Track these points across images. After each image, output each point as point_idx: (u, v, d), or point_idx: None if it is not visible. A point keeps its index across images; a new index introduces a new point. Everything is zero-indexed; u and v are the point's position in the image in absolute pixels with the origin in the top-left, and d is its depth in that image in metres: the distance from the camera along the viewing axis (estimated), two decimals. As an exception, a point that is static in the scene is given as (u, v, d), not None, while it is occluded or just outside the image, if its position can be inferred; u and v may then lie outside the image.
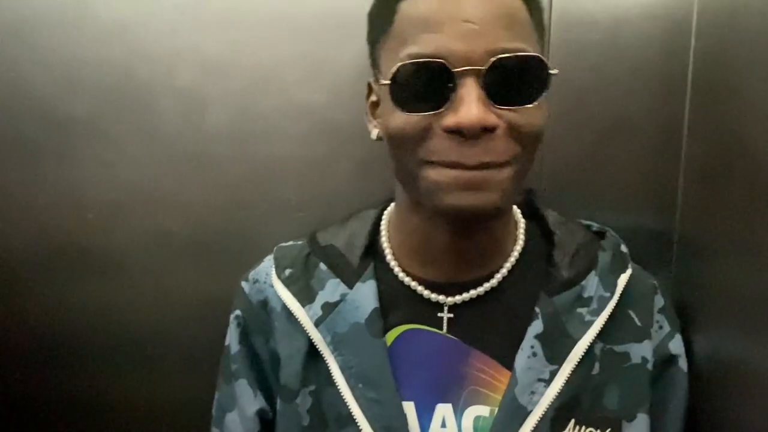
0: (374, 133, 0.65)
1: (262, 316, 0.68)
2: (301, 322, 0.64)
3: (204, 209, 0.86)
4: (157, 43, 0.84)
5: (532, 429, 0.59)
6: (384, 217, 0.71)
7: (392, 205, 0.70)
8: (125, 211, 0.87)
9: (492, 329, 0.63)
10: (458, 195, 0.55)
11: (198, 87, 0.84)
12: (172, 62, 0.84)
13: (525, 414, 0.59)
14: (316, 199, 0.84)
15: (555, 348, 0.61)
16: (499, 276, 0.64)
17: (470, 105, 0.53)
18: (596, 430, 0.60)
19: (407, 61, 0.55)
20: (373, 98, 0.66)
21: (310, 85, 0.83)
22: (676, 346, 0.66)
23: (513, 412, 0.59)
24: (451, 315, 0.64)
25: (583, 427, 0.60)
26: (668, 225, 0.75)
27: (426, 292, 0.64)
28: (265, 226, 0.85)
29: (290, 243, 0.72)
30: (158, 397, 0.89)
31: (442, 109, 0.54)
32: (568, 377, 0.60)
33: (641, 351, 0.63)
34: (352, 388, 0.61)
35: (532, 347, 0.61)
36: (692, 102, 0.73)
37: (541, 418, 0.59)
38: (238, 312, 0.70)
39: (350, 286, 0.65)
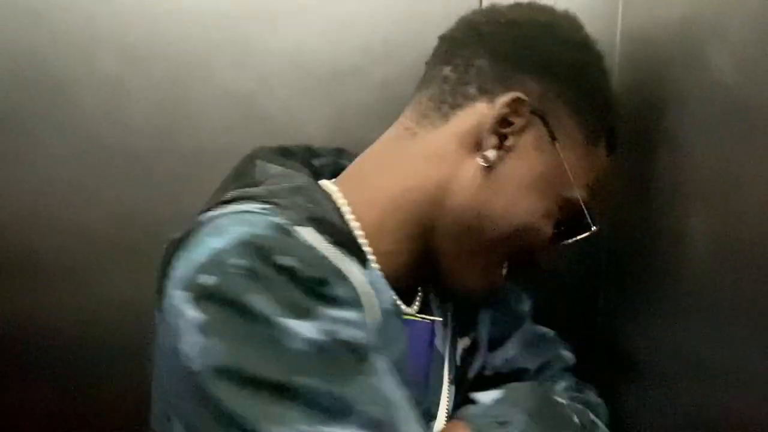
0: (492, 155, 0.56)
1: None
2: None
3: (129, 205, 0.81)
4: (75, 30, 0.79)
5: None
6: (341, 203, 0.58)
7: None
8: (44, 209, 0.81)
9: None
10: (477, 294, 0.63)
11: (119, 76, 0.79)
12: (91, 50, 0.79)
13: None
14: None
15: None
16: None
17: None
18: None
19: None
20: (517, 125, 0.56)
21: (237, 72, 0.80)
22: None
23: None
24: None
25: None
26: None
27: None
28: (195, 222, 0.81)
29: None
30: (81, 402, 0.84)
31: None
32: None
33: None
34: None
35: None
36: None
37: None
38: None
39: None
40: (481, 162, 0.56)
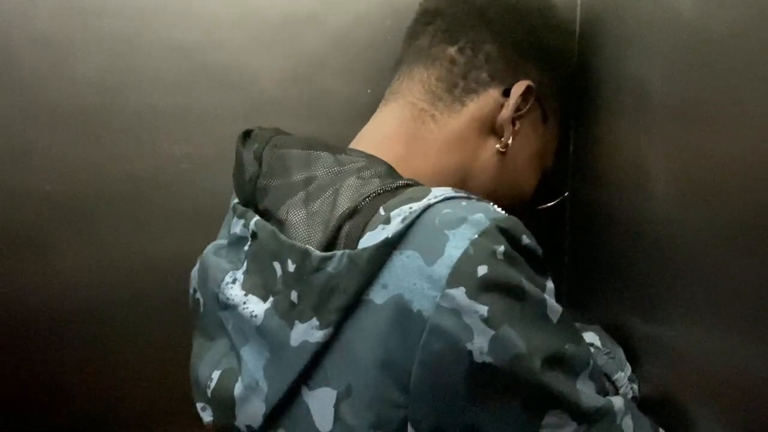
0: (510, 140, 0.62)
1: None
2: None
3: (81, 166, 0.78)
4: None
5: None
6: None
7: None
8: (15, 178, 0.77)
9: None
10: None
11: (62, 32, 0.75)
12: (28, 7, 0.74)
13: None
14: (202, 150, 0.78)
15: None
16: None
17: None
18: None
19: None
20: (524, 110, 0.61)
21: (185, 23, 0.75)
22: None
23: None
24: None
25: None
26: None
27: None
28: (149, 182, 0.78)
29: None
30: (45, 374, 0.82)
31: None
32: None
33: None
34: None
35: None
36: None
37: None
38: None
39: None
40: (499, 147, 0.61)
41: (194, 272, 0.59)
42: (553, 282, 0.47)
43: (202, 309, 0.57)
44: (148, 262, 0.79)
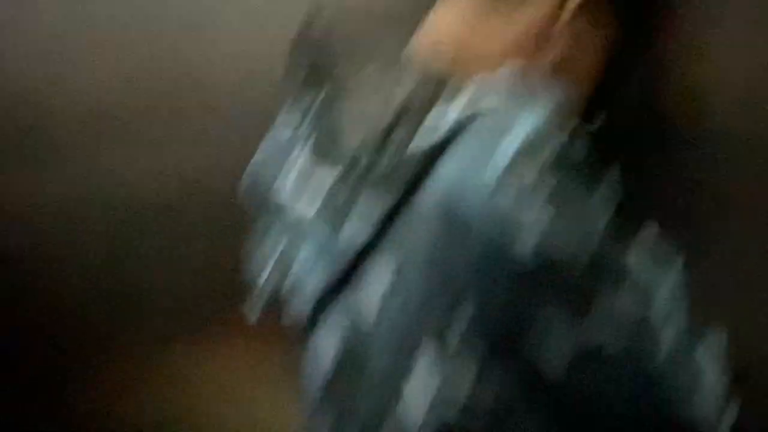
0: (565, 47, 0.57)
1: None
2: None
3: (128, 72, 0.77)
4: None
5: None
6: None
7: None
8: (40, 82, 0.79)
9: None
10: None
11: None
12: None
13: None
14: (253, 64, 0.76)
15: None
16: None
17: None
18: None
19: None
20: (594, 20, 0.57)
21: None
22: None
23: None
24: None
25: None
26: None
27: None
28: (194, 95, 0.77)
29: None
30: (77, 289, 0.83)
31: None
32: None
33: None
34: None
35: None
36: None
37: None
38: None
39: None
40: (555, 53, 0.57)
41: (246, 174, 0.61)
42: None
43: (253, 210, 0.60)
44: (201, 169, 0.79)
